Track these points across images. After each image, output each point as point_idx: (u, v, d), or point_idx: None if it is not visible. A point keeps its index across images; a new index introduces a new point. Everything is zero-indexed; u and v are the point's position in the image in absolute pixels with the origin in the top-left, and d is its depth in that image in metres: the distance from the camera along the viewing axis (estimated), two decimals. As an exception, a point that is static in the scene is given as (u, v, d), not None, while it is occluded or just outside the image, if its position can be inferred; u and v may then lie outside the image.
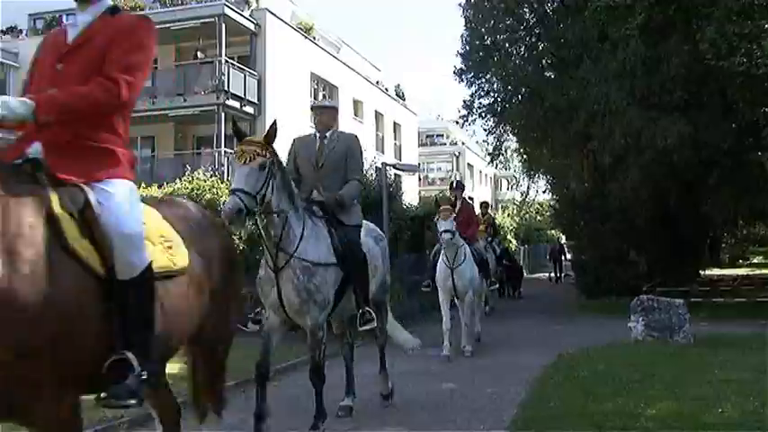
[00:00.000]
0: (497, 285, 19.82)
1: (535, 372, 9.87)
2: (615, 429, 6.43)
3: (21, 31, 33.86)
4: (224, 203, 6.17)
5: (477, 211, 18.80)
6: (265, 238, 6.31)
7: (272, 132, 6.23)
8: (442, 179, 60.49)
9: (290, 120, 28.45)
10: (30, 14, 34.17)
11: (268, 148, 6.17)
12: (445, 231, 11.18)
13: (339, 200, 6.93)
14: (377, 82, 40.85)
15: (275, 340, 6.75)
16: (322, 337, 6.53)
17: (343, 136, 7.54)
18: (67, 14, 32.52)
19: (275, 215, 6.17)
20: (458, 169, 60.94)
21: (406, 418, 7.58)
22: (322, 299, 6.40)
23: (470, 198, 23.11)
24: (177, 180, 18.55)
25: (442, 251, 11.76)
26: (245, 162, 5.99)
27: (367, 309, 6.86)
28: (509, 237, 38.24)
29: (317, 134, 7.38)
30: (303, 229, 6.37)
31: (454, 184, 13.92)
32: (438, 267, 11.84)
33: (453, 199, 13.12)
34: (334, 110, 7.90)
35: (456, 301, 12.03)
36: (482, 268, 12.85)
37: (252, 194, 5.85)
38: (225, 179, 19.65)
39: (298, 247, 6.28)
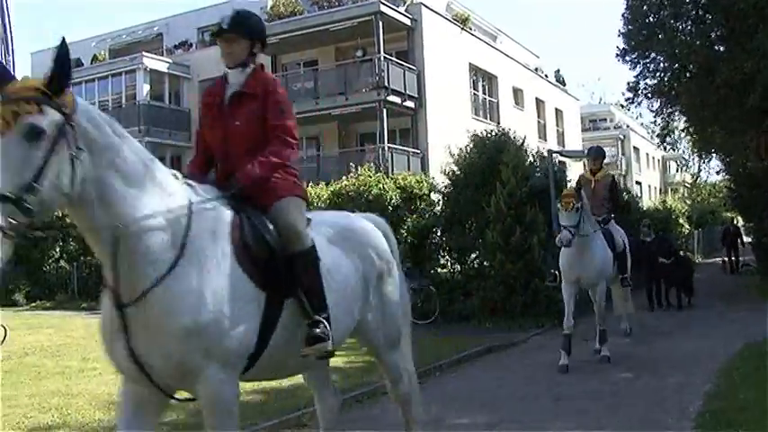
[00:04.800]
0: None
1: (719, 361, 9.42)
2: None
3: (191, 45, 35.66)
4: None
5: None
6: None
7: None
8: (606, 164, 58.77)
9: (450, 112, 28.59)
10: (198, 28, 35.93)
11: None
12: None
13: None
14: (536, 69, 40.21)
15: None
16: None
17: None
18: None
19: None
20: (623, 153, 59.06)
21: (585, 407, 7.41)
22: None
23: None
24: (343, 177, 19.03)
25: None
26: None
27: None
28: (681, 220, 36.64)
29: None
30: None
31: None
32: None
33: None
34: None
35: None
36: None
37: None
38: (390, 175, 19.94)
39: None
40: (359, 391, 8.34)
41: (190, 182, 4.00)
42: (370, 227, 4.98)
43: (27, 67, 39.40)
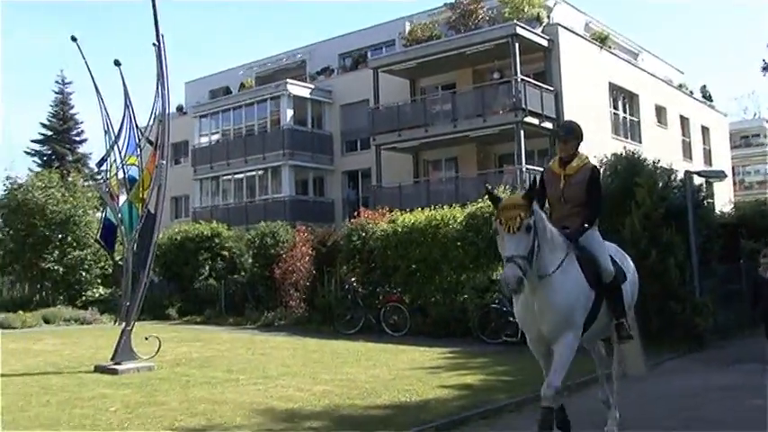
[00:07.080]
0: None
1: None
2: None
3: (333, 70, 36.85)
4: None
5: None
6: None
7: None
8: (760, 183, 56.28)
9: (589, 132, 28.25)
10: (339, 54, 37.12)
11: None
12: None
13: None
14: (680, 85, 39.13)
15: None
16: None
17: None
18: (373, 50, 35.06)
19: None
20: (778, 171, 56.39)
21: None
22: None
23: None
24: (479, 199, 19.26)
25: None
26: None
27: None
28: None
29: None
30: None
31: None
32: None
33: None
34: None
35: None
36: None
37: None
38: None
39: None
40: (484, 408, 8.58)
41: None
42: None
43: (181, 95, 41.91)
